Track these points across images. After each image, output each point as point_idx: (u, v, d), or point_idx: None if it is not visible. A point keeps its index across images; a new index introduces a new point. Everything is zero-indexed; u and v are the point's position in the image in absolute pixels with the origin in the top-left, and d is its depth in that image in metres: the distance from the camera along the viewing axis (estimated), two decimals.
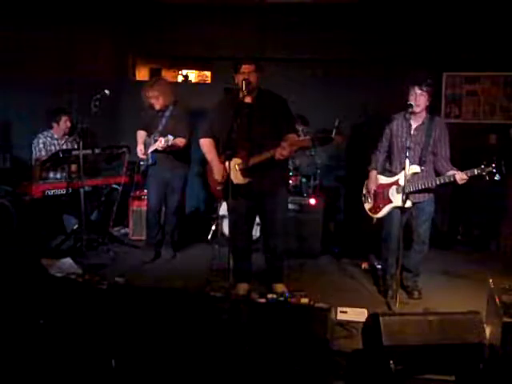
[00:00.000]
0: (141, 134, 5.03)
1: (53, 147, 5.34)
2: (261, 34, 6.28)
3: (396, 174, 4.04)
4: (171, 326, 3.10)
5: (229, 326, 3.08)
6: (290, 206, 5.01)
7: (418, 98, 3.85)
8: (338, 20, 6.07)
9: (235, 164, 3.78)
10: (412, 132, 3.88)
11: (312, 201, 5.28)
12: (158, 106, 4.84)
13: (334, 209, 6.19)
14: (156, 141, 4.67)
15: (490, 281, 3.26)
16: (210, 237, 5.66)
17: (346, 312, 3.63)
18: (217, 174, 3.88)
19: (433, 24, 5.85)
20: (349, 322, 3.48)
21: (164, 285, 4.26)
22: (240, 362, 2.88)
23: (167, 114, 4.87)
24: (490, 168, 3.64)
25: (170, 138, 4.53)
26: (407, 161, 3.74)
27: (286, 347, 2.97)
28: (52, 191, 4.88)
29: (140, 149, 4.94)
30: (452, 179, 3.78)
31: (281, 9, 6.08)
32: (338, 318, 3.51)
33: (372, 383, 2.79)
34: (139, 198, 5.73)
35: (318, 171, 5.56)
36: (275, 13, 6.12)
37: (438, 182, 3.87)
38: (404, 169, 3.78)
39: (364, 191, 4.29)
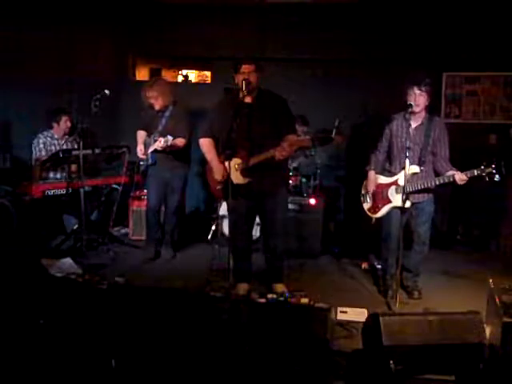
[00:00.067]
0: (141, 134, 5.03)
1: (53, 147, 5.33)
2: (261, 34, 6.28)
3: (395, 174, 4.04)
4: (171, 326, 3.10)
5: (229, 325, 3.08)
6: (290, 206, 5.01)
7: (418, 98, 3.85)
8: (338, 20, 6.07)
9: (235, 164, 3.78)
10: (411, 132, 3.88)
11: (312, 201, 5.29)
12: (157, 106, 4.84)
13: (334, 209, 6.19)
14: (156, 141, 4.67)
15: (490, 281, 3.26)
16: (209, 237, 5.66)
17: (346, 312, 3.63)
18: (217, 173, 3.88)
19: (433, 24, 5.85)
20: (349, 322, 3.48)
21: (164, 285, 4.25)
22: (240, 361, 2.88)
23: (167, 114, 4.87)
24: (490, 169, 3.64)
25: (170, 138, 4.53)
26: (407, 161, 3.75)
27: (286, 347, 2.97)
28: (52, 191, 4.88)
29: (140, 149, 4.94)
30: (452, 179, 3.78)
31: (281, 9, 6.08)
32: (338, 318, 3.51)
33: (372, 383, 2.79)
34: (139, 198, 5.73)
35: (318, 171, 5.55)
36: (275, 13, 6.12)
37: (437, 183, 3.88)
38: (404, 169, 3.78)
39: (363, 191, 4.28)
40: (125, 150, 5.19)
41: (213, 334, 3.04)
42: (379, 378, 2.73)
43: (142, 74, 7.06)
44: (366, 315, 3.27)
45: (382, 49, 6.01)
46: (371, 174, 4.18)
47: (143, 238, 5.47)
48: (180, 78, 7.28)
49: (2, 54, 5.60)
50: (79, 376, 2.76)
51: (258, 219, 4.26)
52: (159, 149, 4.64)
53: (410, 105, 3.82)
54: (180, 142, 4.73)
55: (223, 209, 5.19)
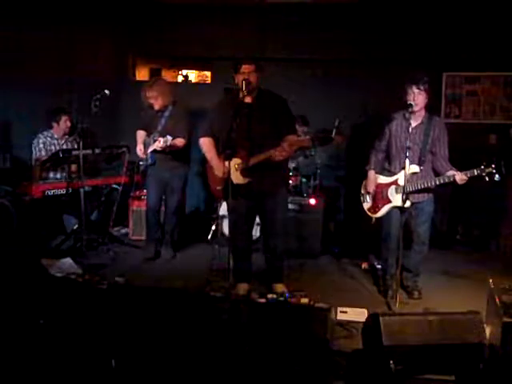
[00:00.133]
0: (140, 134, 5.03)
1: (53, 147, 5.33)
2: (261, 34, 6.28)
3: (395, 173, 4.04)
4: (171, 326, 3.10)
5: (229, 325, 3.08)
6: (290, 206, 5.01)
7: (417, 97, 3.85)
8: (338, 20, 6.07)
9: (235, 164, 3.78)
10: (411, 131, 3.88)
11: (312, 201, 5.28)
12: (157, 106, 4.84)
13: (334, 209, 6.18)
14: (155, 141, 4.67)
15: (490, 281, 3.26)
16: (209, 237, 5.66)
17: (346, 312, 3.63)
18: (217, 170, 3.87)
19: (432, 24, 5.85)
20: (349, 322, 3.48)
21: (164, 285, 4.25)
22: (240, 361, 2.88)
23: (166, 114, 4.87)
24: (490, 168, 3.64)
25: (169, 138, 4.53)
26: (407, 161, 3.74)
27: (286, 347, 2.97)
28: (52, 191, 4.88)
29: (140, 148, 4.95)
30: (452, 179, 3.78)
31: (281, 9, 6.08)
32: (338, 318, 3.51)
33: (372, 383, 2.79)
34: (139, 198, 5.73)
35: (318, 171, 5.55)
36: (275, 13, 6.12)
37: (437, 182, 3.88)
38: (403, 168, 3.78)
39: (362, 191, 4.28)
40: (125, 149, 5.19)
41: (213, 334, 3.04)
42: (379, 378, 2.73)
43: (142, 74, 7.06)
44: (366, 315, 3.27)
45: (382, 49, 6.01)
46: (371, 173, 4.18)
47: (143, 238, 5.47)
48: (180, 78, 7.28)
49: (2, 53, 5.59)
50: (79, 376, 2.76)
51: (258, 219, 4.26)
52: (158, 149, 4.64)
53: (411, 105, 3.82)
54: (179, 142, 4.73)
55: (223, 209, 5.19)
